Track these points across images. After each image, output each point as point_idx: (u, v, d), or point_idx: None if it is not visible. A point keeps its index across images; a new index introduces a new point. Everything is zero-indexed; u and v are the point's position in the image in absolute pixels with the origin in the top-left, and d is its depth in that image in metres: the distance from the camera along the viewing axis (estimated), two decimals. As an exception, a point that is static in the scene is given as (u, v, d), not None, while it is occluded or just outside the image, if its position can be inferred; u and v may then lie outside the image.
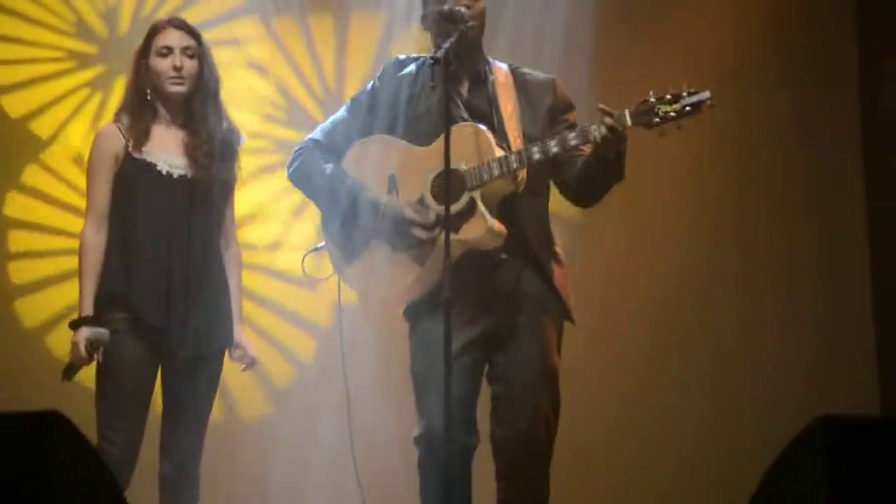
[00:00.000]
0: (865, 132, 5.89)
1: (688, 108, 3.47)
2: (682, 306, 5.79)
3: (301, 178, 3.91)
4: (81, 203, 4.20)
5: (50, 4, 5.61)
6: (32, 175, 5.52)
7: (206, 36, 4.17)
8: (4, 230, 5.51)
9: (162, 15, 5.64)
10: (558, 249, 3.82)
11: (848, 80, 5.94)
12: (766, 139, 5.87)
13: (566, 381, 3.79)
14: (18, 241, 5.51)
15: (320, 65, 5.76)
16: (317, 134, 3.96)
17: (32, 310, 5.46)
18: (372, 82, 3.93)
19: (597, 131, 3.54)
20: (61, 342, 4.49)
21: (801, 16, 5.92)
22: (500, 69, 3.85)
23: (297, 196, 4.76)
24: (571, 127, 3.72)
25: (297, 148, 3.96)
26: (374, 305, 4.17)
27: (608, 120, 3.51)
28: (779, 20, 5.90)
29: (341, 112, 3.95)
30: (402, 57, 3.94)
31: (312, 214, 4.51)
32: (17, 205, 5.52)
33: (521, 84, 3.82)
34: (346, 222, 3.81)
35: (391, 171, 3.79)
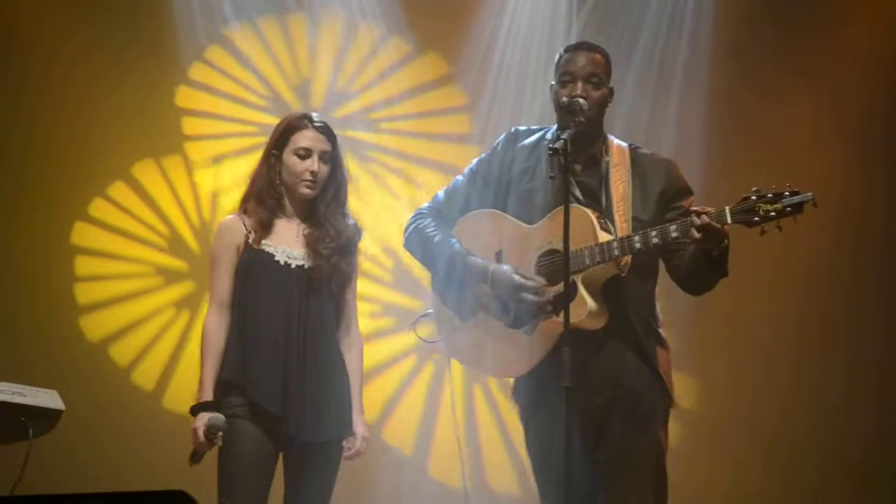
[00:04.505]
0: None
1: (788, 209, 3.38)
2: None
3: (413, 244, 3.89)
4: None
5: (245, 79, 5.77)
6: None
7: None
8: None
9: (354, 89, 5.69)
10: (662, 331, 3.71)
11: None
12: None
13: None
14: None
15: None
16: (432, 201, 3.93)
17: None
18: (489, 151, 3.86)
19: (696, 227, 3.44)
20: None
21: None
22: (619, 147, 3.74)
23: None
24: (683, 214, 3.57)
25: (413, 214, 3.93)
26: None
27: (703, 218, 3.42)
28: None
29: (458, 179, 3.90)
30: (522, 128, 3.86)
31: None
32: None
33: (637, 164, 3.72)
34: (453, 288, 3.79)
35: (498, 246, 3.76)
